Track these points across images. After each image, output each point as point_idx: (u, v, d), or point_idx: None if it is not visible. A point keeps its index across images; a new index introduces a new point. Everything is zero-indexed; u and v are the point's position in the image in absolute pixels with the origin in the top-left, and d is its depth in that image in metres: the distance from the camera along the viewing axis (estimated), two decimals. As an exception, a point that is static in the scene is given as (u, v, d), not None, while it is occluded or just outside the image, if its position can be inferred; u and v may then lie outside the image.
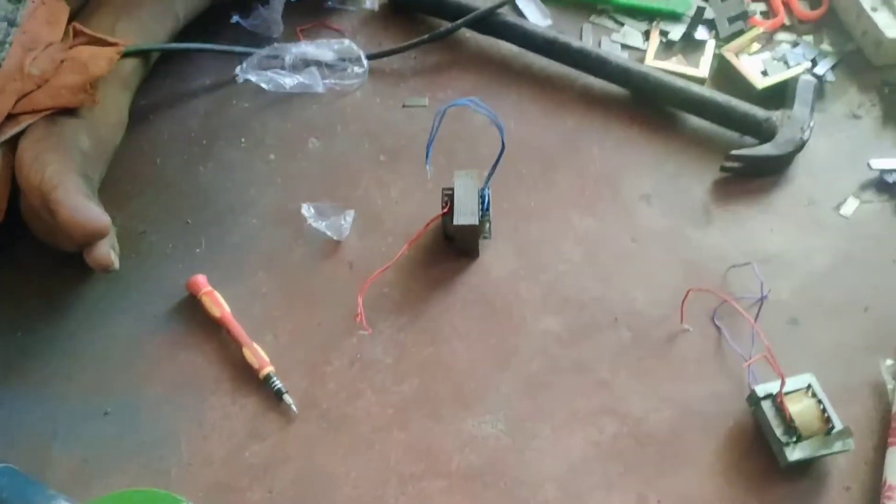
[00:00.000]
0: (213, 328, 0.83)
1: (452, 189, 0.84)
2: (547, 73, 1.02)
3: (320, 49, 0.99)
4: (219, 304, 0.83)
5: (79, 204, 0.78)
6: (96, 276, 0.85)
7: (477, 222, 0.82)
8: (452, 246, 0.86)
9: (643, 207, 0.90)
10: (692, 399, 0.78)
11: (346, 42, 0.99)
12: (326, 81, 0.98)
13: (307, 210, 0.88)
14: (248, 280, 0.86)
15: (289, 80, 0.97)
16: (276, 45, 0.99)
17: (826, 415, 0.73)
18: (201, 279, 0.84)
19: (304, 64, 0.99)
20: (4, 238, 0.86)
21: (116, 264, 0.81)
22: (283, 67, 0.98)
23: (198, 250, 0.88)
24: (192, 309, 0.84)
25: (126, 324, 0.83)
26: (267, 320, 0.83)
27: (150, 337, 0.83)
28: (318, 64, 0.99)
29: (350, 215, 0.88)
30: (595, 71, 0.99)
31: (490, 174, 0.84)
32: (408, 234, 0.87)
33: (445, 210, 0.84)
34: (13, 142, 0.82)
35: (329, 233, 0.87)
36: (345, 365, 0.81)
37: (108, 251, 0.80)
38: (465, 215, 0.82)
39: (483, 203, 0.85)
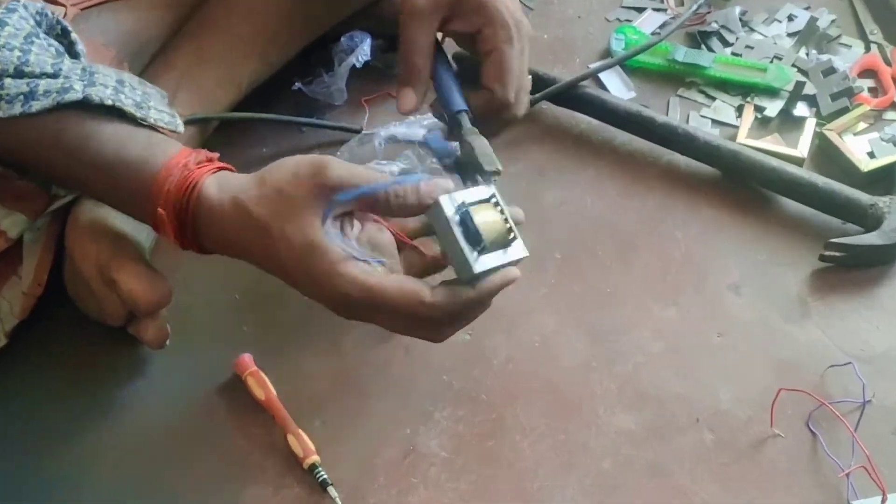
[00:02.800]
0: (257, 411, 0.86)
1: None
2: (629, 149, 1.06)
3: (411, 128, 1.03)
4: (264, 385, 0.86)
5: (142, 272, 0.84)
6: (137, 352, 0.90)
7: (474, 272, 0.70)
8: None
9: (731, 298, 0.93)
10: (782, 512, 0.79)
11: (429, 116, 1.00)
12: (423, 165, 1.01)
13: None
14: (297, 362, 0.90)
15: (388, 169, 1.00)
16: (363, 133, 1.05)
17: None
18: (247, 359, 0.88)
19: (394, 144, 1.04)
20: (43, 310, 0.91)
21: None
22: (375, 154, 1.02)
23: (245, 328, 0.92)
24: (236, 390, 0.87)
25: (166, 404, 0.88)
26: (315, 405, 0.86)
27: (191, 419, 0.87)
28: (411, 143, 1.03)
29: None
30: (681, 148, 1.03)
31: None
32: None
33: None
34: (62, 211, 0.89)
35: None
36: (396, 457, 0.83)
37: (165, 324, 0.86)
38: (463, 266, 0.71)
39: (468, 230, 0.71)
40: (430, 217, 0.72)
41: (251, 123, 1.07)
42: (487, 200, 0.74)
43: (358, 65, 1.08)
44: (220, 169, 0.75)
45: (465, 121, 0.82)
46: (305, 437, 0.83)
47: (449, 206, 0.71)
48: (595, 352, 0.90)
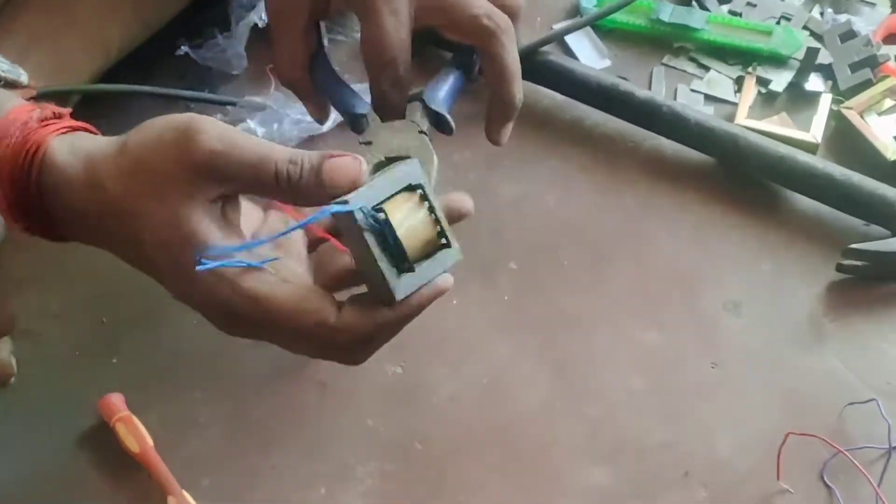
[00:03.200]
0: (129, 467, 0.84)
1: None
2: (602, 132, 1.06)
3: None
4: (138, 434, 0.85)
5: None
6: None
7: (396, 297, 0.68)
8: None
9: (729, 319, 0.93)
10: (792, 589, 0.80)
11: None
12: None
13: None
14: (181, 402, 0.88)
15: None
16: (267, 109, 1.03)
17: None
18: (116, 400, 0.86)
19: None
20: None
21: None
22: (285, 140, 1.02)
23: (114, 360, 0.91)
24: (103, 439, 0.86)
25: (10, 458, 0.85)
26: (203, 459, 0.85)
27: (44, 478, 0.85)
28: None
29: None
30: (668, 130, 1.03)
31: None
32: (402, 347, 0.90)
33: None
34: None
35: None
36: (308, 525, 0.83)
37: (9, 357, 0.84)
38: (381, 287, 0.68)
39: (387, 243, 0.67)
40: (336, 217, 0.66)
41: (124, 98, 1.05)
42: (413, 189, 0.69)
43: (261, 24, 1.07)
44: (75, 129, 0.71)
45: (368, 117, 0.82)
46: (191, 501, 0.82)
47: (360, 211, 0.66)
48: (559, 389, 0.89)
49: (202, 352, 0.91)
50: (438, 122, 0.82)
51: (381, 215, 0.66)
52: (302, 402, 0.89)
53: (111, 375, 0.89)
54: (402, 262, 0.67)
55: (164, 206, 0.65)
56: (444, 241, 0.69)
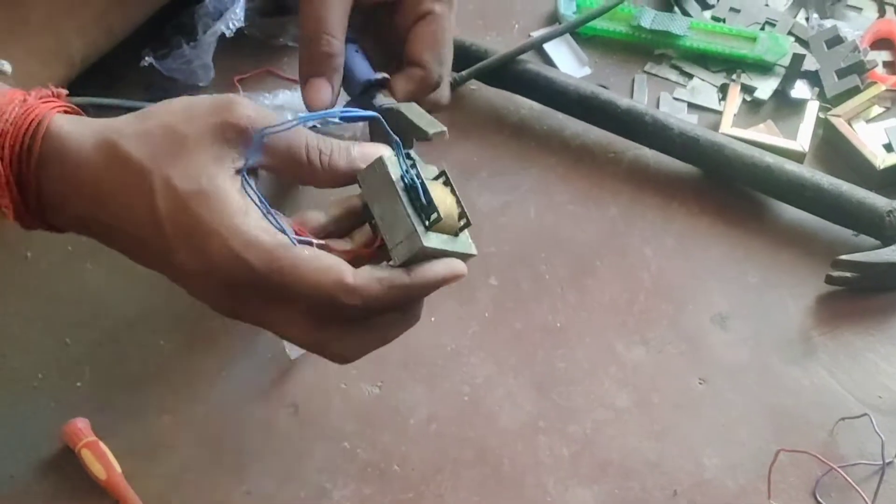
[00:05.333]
0: (95, 495, 0.84)
1: (366, 206, 0.73)
2: (582, 142, 1.06)
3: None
4: (105, 460, 0.84)
5: None
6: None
7: (422, 244, 0.69)
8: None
9: (716, 333, 0.93)
10: None
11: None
12: None
13: None
14: (150, 427, 0.88)
15: None
16: None
17: None
18: (81, 425, 0.86)
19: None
20: None
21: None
22: None
23: (79, 383, 0.90)
24: (68, 466, 0.85)
25: (-30, 487, 0.85)
26: (174, 485, 0.85)
27: (5, 506, 0.84)
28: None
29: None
30: (650, 140, 1.03)
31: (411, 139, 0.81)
32: (379, 366, 0.90)
33: (377, 245, 0.73)
34: None
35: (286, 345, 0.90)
36: (282, 552, 0.82)
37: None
38: (399, 235, 0.70)
39: (420, 195, 0.70)
40: (366, 181, 0.71)
41: (86, 111, 1.04)
42: (437, 178, 0.74)
43: (228, 33, 1.07)
44: (72, 112, 0.72)
45: (382, 91, 0.84)
46: (160, 529, 0.81)
47: (394, 167, 0.70)
48: (542, 407, 0.89)
49: (171, 374, 0.91)
50: (372, 87, 0.85)
51: (415, 171, 0.70)
52: (275, 425, 0.88)
53: (76, 399, 0.89)
54: (431, 214, 0.69)
55: (191, 165, 0.67)
56: (463, 222, 0.73)
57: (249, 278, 0.67)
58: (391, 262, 0.70)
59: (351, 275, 0.68)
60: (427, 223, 0.70)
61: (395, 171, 0.70)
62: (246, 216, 0.68)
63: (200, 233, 0.67)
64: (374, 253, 0.72)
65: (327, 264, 0.68)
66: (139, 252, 0.71)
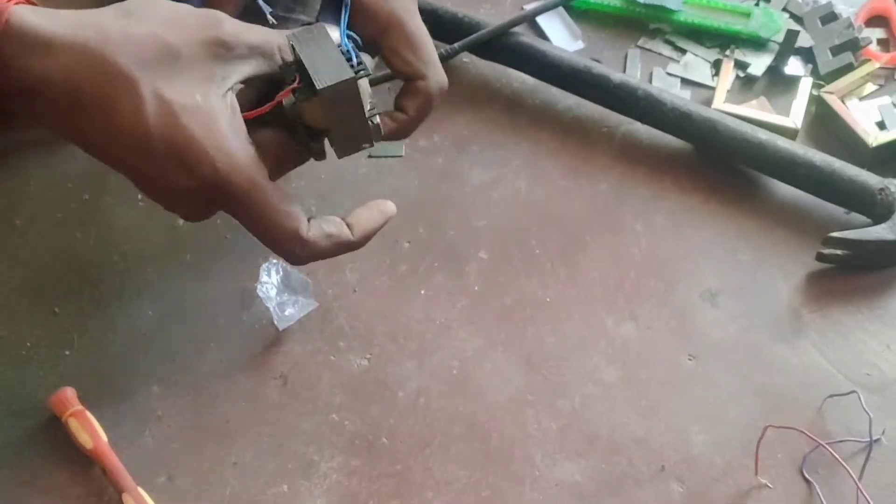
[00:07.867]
0: (83, 463, 0.84)
1: (294, 56, 0.76)
2: (574, 116, 1.07)
3: None
4: (92, 429, 0.85)
5: None
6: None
7: (353, 74, 0.73)
8: (314, 149, 0.80)
9: (706, 310, 0.94)
10: (770, 586, 0.80)
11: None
12: None
13: (268, 274, 0.91)
14: (136, 396, 0.88)
15: None
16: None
17: None
18: (69, 393, 0.86)
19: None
20: None
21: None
22: None
23: (67, 352, 0.91)
24: (54, 435, 0.86)
25: (-43, 455, 0.85)
26: (160, 455, 0.85)
27: (-9, 475, 0.85)
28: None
29: (306, 305, 0.92)
30: (643, 115, 1.04)
31: (343, 22, 0.85)
32: (368, 338, 0.91)
33: (294, 86, 0.75)
34: None
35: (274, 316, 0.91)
36: (269, 523, 0.83)
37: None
38: (329, 71, 0.73)
39: (351, 58, 0.75)
40: (301, 41, 0.74)
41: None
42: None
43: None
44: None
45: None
46: (147, 498, 0.82)
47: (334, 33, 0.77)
48: (531, 382, 0.90)
49: (159, 344, 0.91)
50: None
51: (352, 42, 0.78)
52: (263, 396, 0.89)
53: (63, 369, 0.90)
54: (358, 71, 0.75)
55: (184, 80, 0.69)
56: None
57: (225, 198, 0.71)
58: (315, 89, 0.73)
59: (306, 228, 0.74)
60: (356, 72, 0.74)
61: (334, 36, 0.76)
62: (236, 137, 0.70)
63: (191, 150, 0.69)
64: (287, 93, 0.75)
65: (294, 212, 0.73)
66: (108, 151, 0.71)
